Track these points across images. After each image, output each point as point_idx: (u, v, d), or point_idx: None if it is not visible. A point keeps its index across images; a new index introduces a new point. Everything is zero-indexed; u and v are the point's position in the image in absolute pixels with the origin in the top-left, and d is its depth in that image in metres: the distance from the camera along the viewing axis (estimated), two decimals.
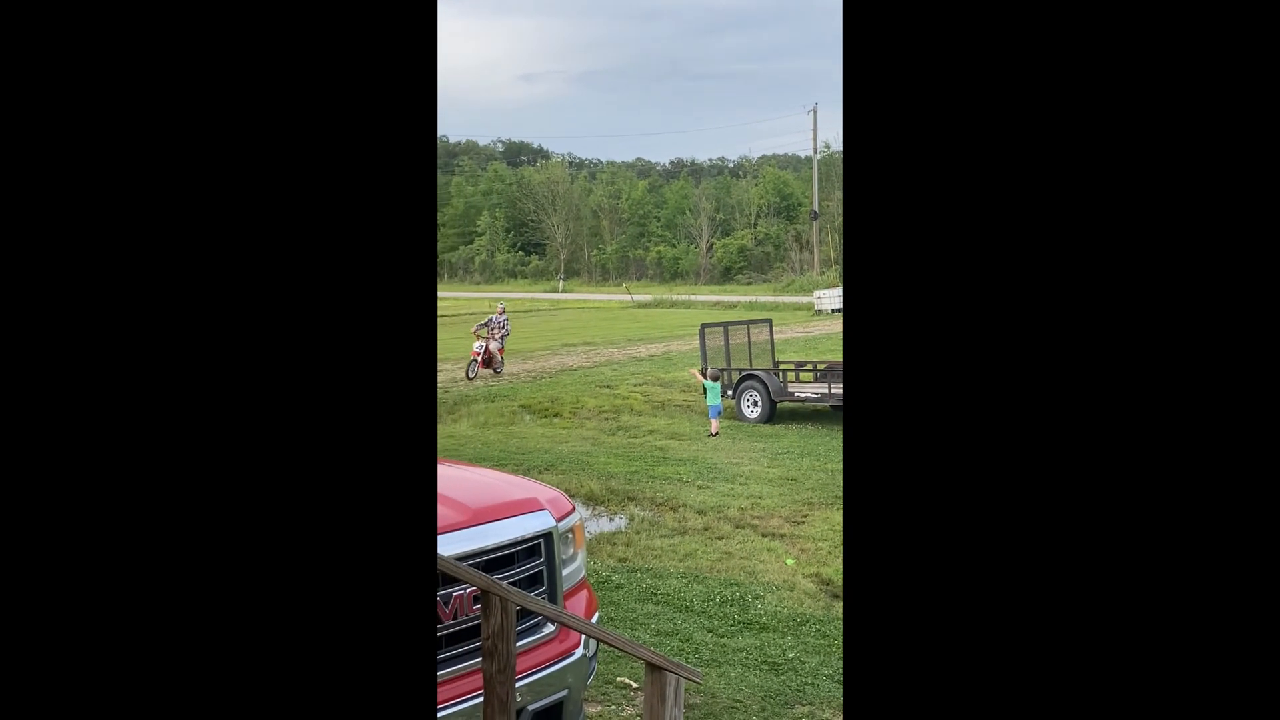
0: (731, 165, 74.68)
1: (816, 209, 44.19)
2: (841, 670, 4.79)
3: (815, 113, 52.57)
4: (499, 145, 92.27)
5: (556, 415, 12.93)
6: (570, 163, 73.80)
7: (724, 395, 12.64)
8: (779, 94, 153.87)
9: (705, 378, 11.93)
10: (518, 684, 3.05)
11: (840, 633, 5.27)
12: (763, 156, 71.62)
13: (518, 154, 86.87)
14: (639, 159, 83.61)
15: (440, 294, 50.31)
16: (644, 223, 57.05)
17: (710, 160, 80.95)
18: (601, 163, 77.70)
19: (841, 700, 4.45)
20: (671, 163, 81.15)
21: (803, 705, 4.40)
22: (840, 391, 12.12)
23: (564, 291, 47.96)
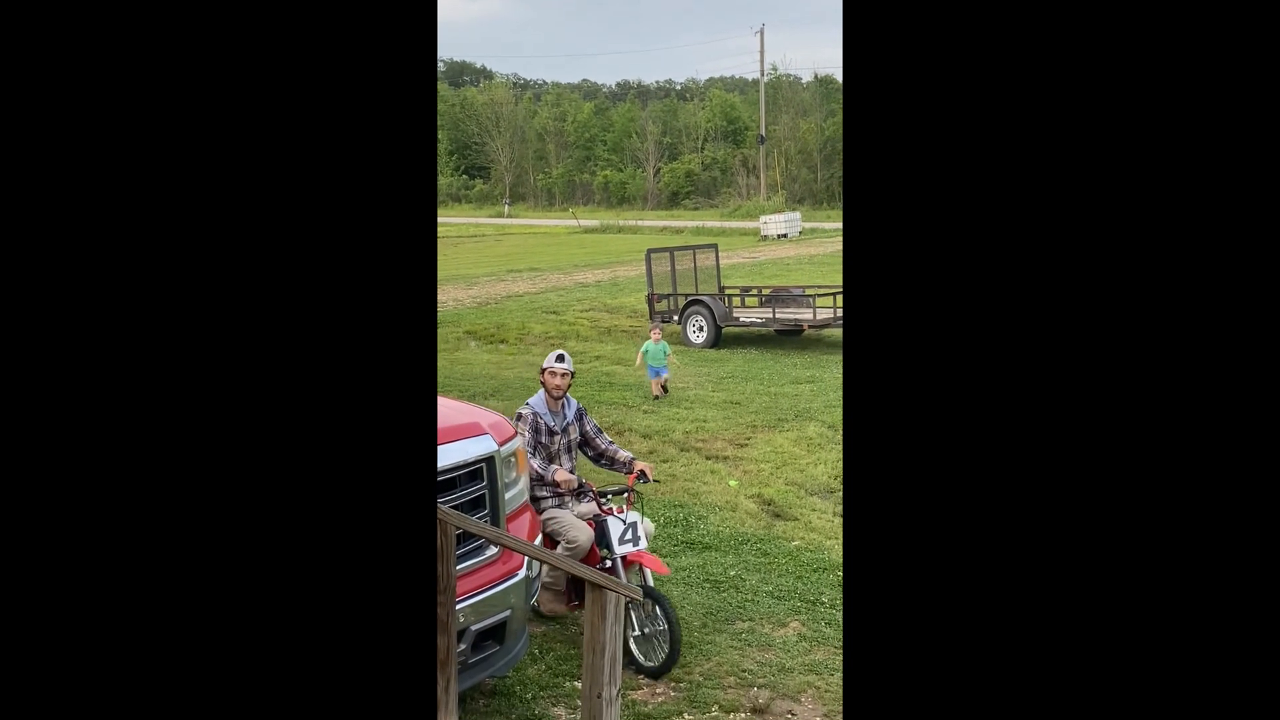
0: (679, 88, 73.64)
1: (763, 133, 43.92)
2: (780, 589, 4.92)
3: (762, 34, 51.86)
4: (440, 65, 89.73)
5: (502, 341, 12.87)
6: (514, 84, 72.16)
7: (674, 320, 12.65)
8: (727, 14, 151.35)
9: (652, 331, 9.85)
10: (460, 605, 3.09)
11: (780, 551, 5.40)
12: (710, 79, 70.72)
13: (460, 74, 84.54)
14: (585, 80, 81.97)
15: None
16: (590, 146, 56.24)
17: (657, 82, 79.67)
18: (546, 84, 76.09)
19: (779, 615, 4.59)
20: (618, 85, 79.79)
21: (743, 621, 4.53)
22: (785, 316, 12.22)
23: (509, 216, 47.32)
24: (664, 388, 9.51)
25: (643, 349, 9.68)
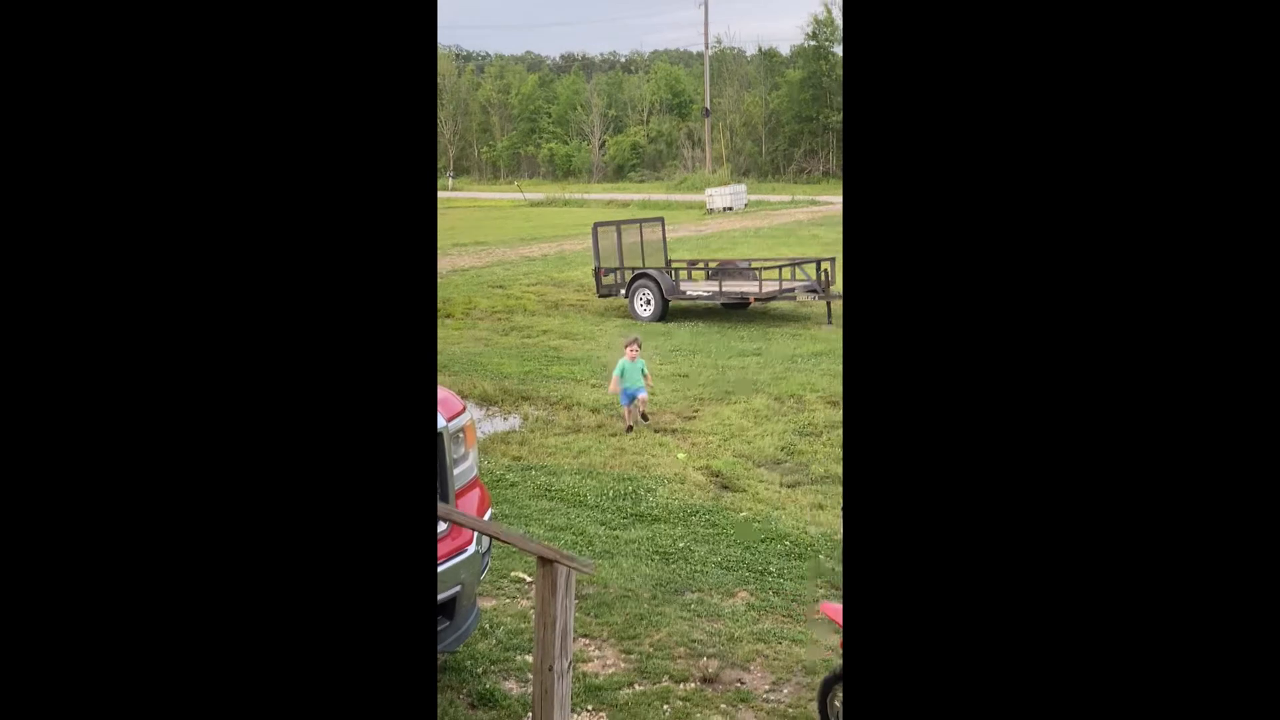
0: (623, 60, 73.17)
1: (708, 106, 43.85)
2: (729, 560, 4.98)
3: (706, 7, 51.47)
4: None
5: (449, 316, 12.75)
6: (457, 55, 70.95)
7: (620, 294, 12.62)
8: None
9: (627, 348, 7.60)
10: None
11: (728, 522, 5.46)
12: (654, 51, 70.47)
13: None
14: (528, 52, 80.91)
15: None
16: (535, 119, 55.63)
17: (601, 55, 79.09)
18: (489, 55, 74.99)
19: (727, 585, 4.64)
20: (562, 56, 78.93)
21: (692, 592, 4.58)
22: (731, 289, 12.27)
23: (454, 190, 46.72)
24: (643, 414, 7.56)
25: (617, 369, 7.53)
